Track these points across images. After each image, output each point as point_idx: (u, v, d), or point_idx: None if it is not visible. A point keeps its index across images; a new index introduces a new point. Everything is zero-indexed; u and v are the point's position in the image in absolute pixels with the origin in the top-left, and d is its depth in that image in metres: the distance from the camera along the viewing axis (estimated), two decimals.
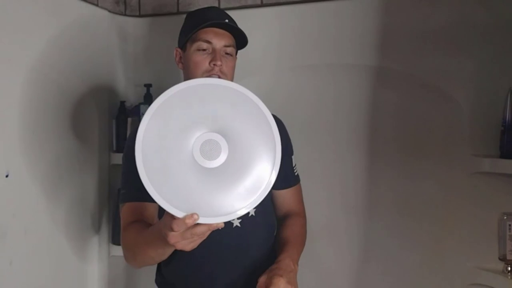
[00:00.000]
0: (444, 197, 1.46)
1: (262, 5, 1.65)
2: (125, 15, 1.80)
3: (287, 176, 1.33)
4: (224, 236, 1.15)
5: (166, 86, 1.90)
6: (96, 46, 1.68)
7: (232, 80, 1.25)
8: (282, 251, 1.20)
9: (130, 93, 1.82)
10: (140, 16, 1.80)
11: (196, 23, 1.26)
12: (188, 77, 1.26)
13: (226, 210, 0.94)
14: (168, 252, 1.05)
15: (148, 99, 1.73)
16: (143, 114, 1.67)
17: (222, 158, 0.94)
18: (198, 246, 0.97)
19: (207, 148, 0.94)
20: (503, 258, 1.38)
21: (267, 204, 1.32)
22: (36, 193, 1.44)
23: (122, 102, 1.76)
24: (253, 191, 0.96)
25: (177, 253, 1.19)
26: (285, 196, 1.34)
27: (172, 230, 0.92)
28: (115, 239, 1.73)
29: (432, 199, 1.47)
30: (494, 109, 1.39)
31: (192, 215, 0.92)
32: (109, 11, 1.73)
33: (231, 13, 1.67)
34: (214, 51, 1.23)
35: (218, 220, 0.93)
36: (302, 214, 1.36)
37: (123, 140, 1.73)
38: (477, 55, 1.42)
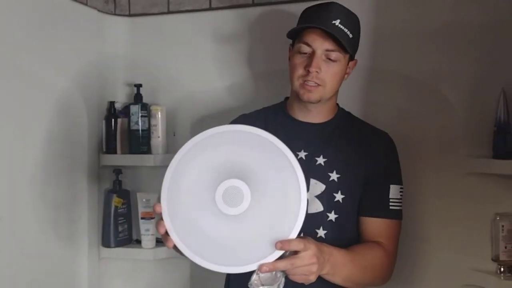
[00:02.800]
0: (438, 197, 1.45)
1: (253, 4, 1.64)
2: (114, 14, 1.78)
3: (377, 204, 1.18)
4: None
5: (157, 86, 1.90)
6: (85, 46, 1.65)
7: (333, 90, 1.17)
8: (334, 247, 1.05)
9: (119, 94, 1.80)
10: (130, 15, 1.78)
11: (301, 21, 1.18)
12: (289, 79, 1.20)
13: (232, 261, 0.93)
14: None
15: (138, 100, 1.71)
16: (133, 115, 1.67)
17: (244, 205, 0.94)
18: None
19: (229, 195, 0.94)
20: (496, 259, 1.37)
21: (342, 231, 1.18)
22: (24, 195, 1.42)
23: (112, 103, 1.74)
24: (284, 234, 0.94)
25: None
26: (370, 225, 1.18)
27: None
28: (105, 241, 1.71)
29: (426, 199, 1.46)
30: (487, 110, 1.38)
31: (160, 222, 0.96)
32: (98, 10, 1.71)
33: (224, 13, 1.67)
34: (312, 55, 1.13)
35: (215, 268, 0.93)
36: (387, 250, 1.15)
37: (113, 141, 1.72)
38: (470, 56, 1.42)
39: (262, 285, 0.94)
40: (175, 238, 0.95)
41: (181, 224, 0.95)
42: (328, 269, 1.02)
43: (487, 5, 1.40)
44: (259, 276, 0.93)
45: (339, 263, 1.05)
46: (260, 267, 0.92)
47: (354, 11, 1.20)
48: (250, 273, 0.95)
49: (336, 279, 1.07)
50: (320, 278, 1.03)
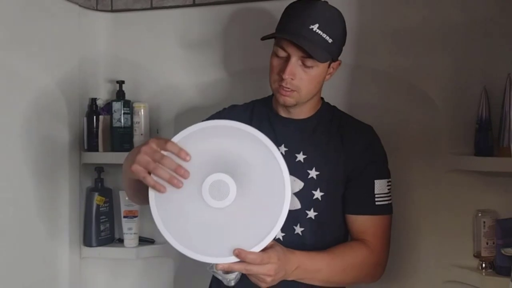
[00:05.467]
0: (420, 194, 1.46)
1: (238, 0, 1.62)
2: (96, 10, 1.75)
3: (361, 201, 1.16)
4: None
5: (139, 83, 1.87)
6: (66, 41, 1.63)
7: (310, 94, 1.15)
8: (306, 252, 1.08)
9: (101, 90, 1.77)
10: (112, 11, 1.75)
11: (281, 21, 1.15)
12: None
13: (224, 251, 0.94)
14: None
15: (121, 96, 1.69)
16: (115, 112, 1.65)
17: (230, 198, 0.95)
18: None
19: (216, 189, 0.94)
20: (477, 255, 1.39)
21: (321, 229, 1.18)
22: (4, 193, 1.39)
23: (93, 99, 1.71)
24: (260, 236, 0.95)
25: None
26: (356, 222, 1.17)
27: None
28: (86, 241, 1.69)
29: (408, 196, 1.47)
30: (469, 107, 1.40)
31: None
32: (80, 5, 1.68)
33: (208, 9, 1.65)
34: (288, 59, 1.10)
35: (203, 259, 0.94)
36: (372, 248, 1.14)
37: (95, 138, 1.69)
38: (452, 54, 1.43)
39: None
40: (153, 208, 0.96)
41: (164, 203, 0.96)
42: (294, 278, 1.06)
43: (469, 3, 1.41)
44: None
45: (312, 270, 1.07)
46: (216, 265, 0.94)
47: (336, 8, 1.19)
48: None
49: (313, 282, 1.10)
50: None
